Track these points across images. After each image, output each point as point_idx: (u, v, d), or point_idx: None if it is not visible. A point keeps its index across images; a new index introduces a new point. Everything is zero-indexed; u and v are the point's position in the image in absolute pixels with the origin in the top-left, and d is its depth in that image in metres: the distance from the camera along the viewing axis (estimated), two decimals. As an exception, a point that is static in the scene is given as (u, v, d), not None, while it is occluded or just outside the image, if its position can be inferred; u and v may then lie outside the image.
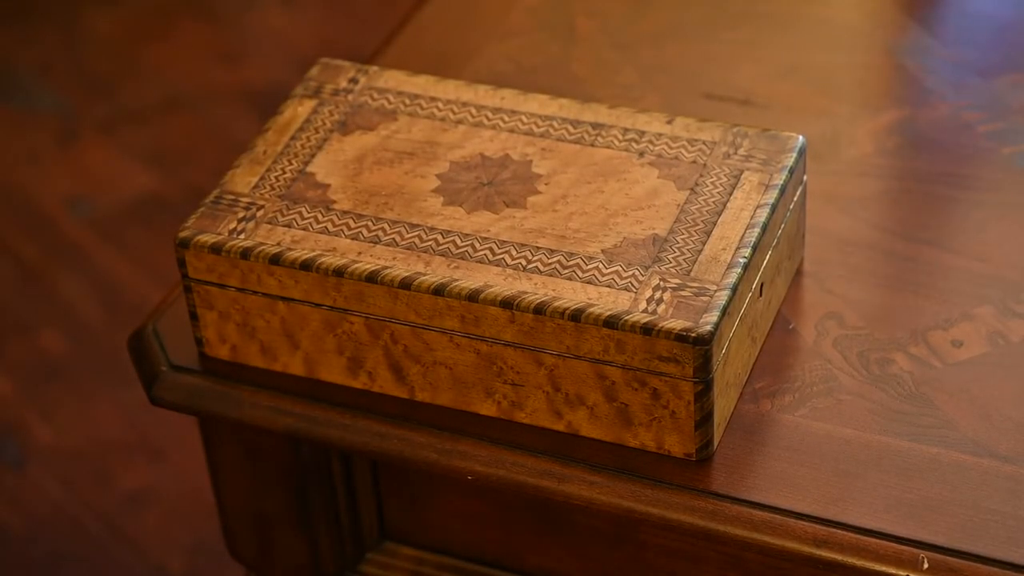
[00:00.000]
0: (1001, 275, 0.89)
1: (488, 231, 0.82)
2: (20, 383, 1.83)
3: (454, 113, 0.89)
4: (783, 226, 0.85)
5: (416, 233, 0.82)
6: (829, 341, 0.86)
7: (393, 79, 0.92)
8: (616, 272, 0.79)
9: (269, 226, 0.83)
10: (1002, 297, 0.88)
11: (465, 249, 0.81)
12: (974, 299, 0.88)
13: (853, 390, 0.83)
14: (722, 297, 0.78)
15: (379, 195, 0.85)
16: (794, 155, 0.85)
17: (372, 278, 0.80)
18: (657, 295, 0.78)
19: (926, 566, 0.75)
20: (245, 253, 0.82)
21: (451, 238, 0.82)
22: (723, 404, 0.80)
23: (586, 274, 0.79)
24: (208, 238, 0.83)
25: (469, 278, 0.80)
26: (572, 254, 0.80)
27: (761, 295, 0.83)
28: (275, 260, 0.82)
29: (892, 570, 0.75)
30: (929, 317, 0.87)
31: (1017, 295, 0.88)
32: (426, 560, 0.89)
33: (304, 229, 0.83)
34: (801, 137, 0.86)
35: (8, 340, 1.86)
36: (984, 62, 1.06)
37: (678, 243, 0.81)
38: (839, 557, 0.76)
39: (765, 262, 0.83)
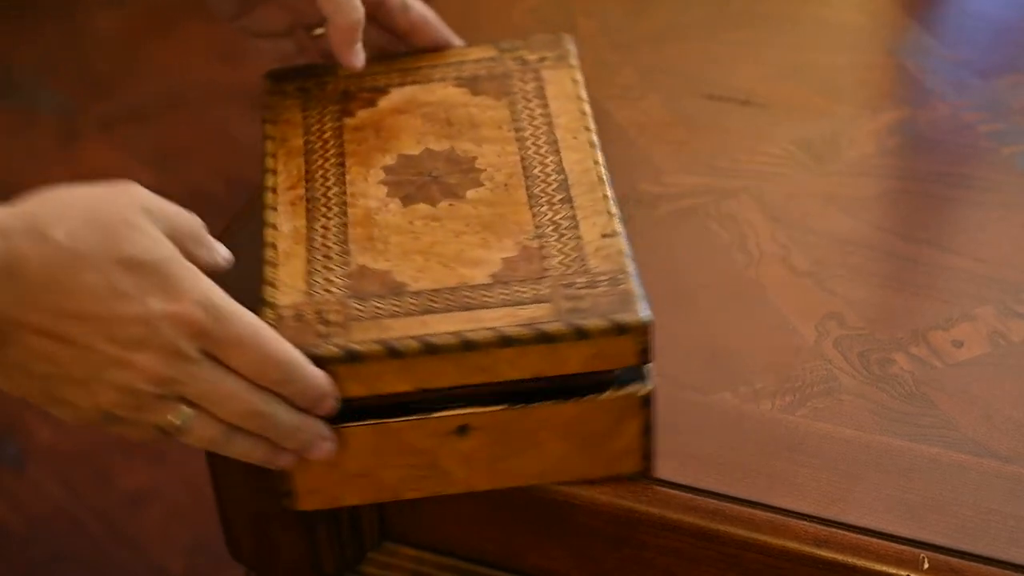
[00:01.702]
0: (1001, 275, 0.89)
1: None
2: (20, 383, 1.83)
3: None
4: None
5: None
6: (829, 341, 0.86)
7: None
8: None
9: None
10: (1002, 297, 0.88)
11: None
12: (974, 299, 0.88)
13: (853, 390, 0.83)
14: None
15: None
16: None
17: None
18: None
19: (926, 566, 0.75)
20: None
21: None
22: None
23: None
24: None
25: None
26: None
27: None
28: None
29: (892, 570, 0.75)
30: (930, 317, 0.87)
31: (1017, 295, 0.88)
32: (426, 560, 0.89)
33: None
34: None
35: (8, 340, 1.87)
36: (984, 62, 1.06)
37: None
38: (839, 557, 0.76)
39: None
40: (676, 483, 0.78)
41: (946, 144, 0.99)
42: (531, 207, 0.81)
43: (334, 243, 0.80)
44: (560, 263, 0.77)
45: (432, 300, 0.76)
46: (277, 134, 0.88)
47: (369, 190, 0.83)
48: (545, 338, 0.73)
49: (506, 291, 0.76)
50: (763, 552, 0.77)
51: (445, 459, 0.77)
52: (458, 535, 0.87)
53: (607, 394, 0.76)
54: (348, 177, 0.84)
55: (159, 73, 2.29)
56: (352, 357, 0.73)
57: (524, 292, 0.76)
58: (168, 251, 0.69)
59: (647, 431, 0.77)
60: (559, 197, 0.81)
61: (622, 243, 0.78)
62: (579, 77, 0.90)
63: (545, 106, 0.88)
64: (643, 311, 0.74)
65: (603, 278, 0.76)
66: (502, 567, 0.87)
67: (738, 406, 0.82)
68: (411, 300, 0.76)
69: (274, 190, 0.84)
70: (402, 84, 0.91)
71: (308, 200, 0.83)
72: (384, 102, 0.90)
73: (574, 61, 0.92)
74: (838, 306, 0.88)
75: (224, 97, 2.22)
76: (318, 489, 0.78)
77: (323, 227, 0.81)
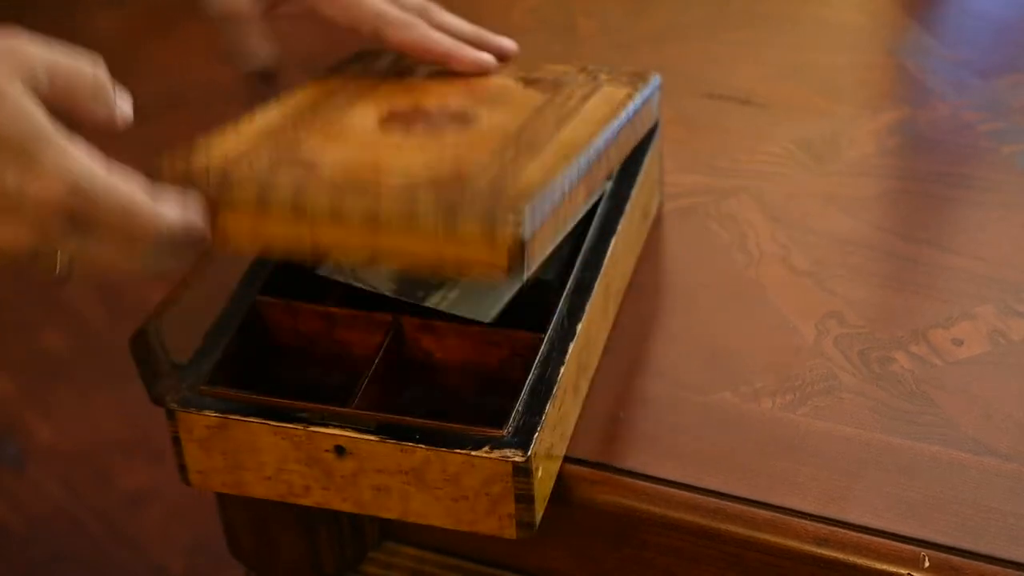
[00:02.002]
0: (1001, 274, 0.89)
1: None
2: (21, 383, 1.83)
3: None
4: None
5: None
6: (830, 340, 0.86)
7: None
8: None
9: None
10: (1002, 296, 0.88)
11: None
12: (975, 298, 0.88)
13: (854, 389, 0.83)
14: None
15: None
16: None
17: None
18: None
19: (927, 564, 0.75)
20: None
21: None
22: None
23: None
24: None
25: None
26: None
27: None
28: None
29: (893, 568, 0.75)
30: (930, 316, 0.87)
31: (1017, 294, 0.88)
32: (426, 560, 0.89)
33: None
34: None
35: (9, 339, 1.86)
36: (984, 62, 1.06)
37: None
38: (840, 556, 0.76)
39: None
40: (677, 482, 0.79)
41: (946, 144, 0.99)
42: (495, 151, 0.76)
43: (291, 135, 0.78)
44: (479, 185, 0.72)
45: (330, 176, 0.73)
46: (314, 82, 0.87)
47: (363, 113, 0.81)
48: (410, 218, 0.69)
49: (405, 181, 0.72)
50: (764, 551, 0.77)
51: (333, 477, 0.76)
52: (458, 535, 0.87)
53: (480, 452, 0.72)
54: (352, 108, 0.82)
55: (159, 73, 2.29)
56: (226, 193, 0.72)
57: (422, 191, 0.71)
58: (33, 126, 0.68)
59: (524, 501, 0.73)
60: (530, 153, 0.77)
61: (552, 184, 0.72)
62: (636, 96, 0.86)
63: (584, 100, 0.84)
64: (525, 227, 0.68)
65: (507, 196, 0.70)
66: (502, 567, 0.87)
67: (738, 405, 0.82)
68: (314, 175, 0.73)
69: (278, 100, 0.82)
70: (469, 76, 0.88)
71: (301, 113, 0.81)
72: (436, 80, 0.87)
73: (640, 86, 0.87)
74: (838, 305, 0.88)
75: (224, 97, 2.22)
76: (206, 471, 0.78)
77: (294, 125, 0.79)
